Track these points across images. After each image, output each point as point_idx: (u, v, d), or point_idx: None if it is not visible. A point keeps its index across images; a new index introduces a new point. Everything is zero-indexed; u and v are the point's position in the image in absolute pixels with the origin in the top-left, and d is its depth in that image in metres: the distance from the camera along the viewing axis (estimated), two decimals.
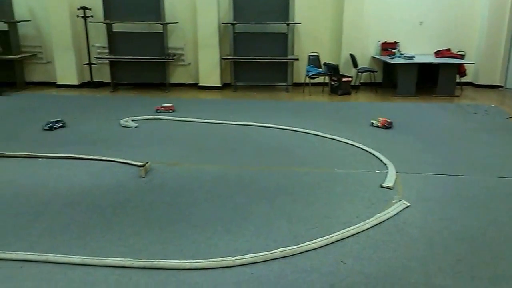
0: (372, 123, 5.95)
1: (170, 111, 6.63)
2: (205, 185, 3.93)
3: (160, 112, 6.50)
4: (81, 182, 3.98)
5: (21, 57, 8.40)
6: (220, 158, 4.70)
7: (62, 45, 8.40)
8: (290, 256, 2.76)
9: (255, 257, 2.73)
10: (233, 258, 2.71)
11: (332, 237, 2.96)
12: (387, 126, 5.83)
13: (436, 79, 8.01)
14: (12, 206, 3.48)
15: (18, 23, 8.41)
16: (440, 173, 4.22)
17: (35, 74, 8.89)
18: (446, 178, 4.09)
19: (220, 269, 2.64)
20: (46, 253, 2.76)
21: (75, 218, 3.30)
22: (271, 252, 2.78)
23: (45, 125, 5.62)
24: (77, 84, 8.64)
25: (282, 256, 2.75)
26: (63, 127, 5.76)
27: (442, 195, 3.72)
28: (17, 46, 8.40)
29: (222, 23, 8.52)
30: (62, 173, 4.20)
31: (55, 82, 8.67)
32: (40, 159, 4.53)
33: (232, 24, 8.34)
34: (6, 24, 8.19)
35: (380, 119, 5.92)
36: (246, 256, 2.74)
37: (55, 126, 5.67)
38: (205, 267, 2.65)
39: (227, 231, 3.10)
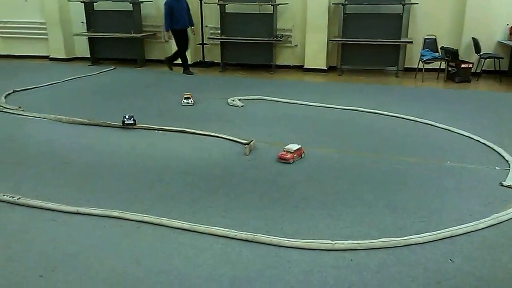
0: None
1: None
2: (308, 167, 3.92)
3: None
4: (191, 155, 4.24)
5: (142, 36, 9.11)
6: (324, 141, 4.65)
7: None
8: (394, 248, 2.65)
9: (356, 244, 2.67)
10: (332, 242, 2.69)
11: (440, 233, 2.77)
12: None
13: None
14: (131, 172, 3.83)
15: (141, 4, 9.08)
16: None
17: (153, 52, 9.59)
18: None
19: (318, 251, 2.64)
20: (160, 216, 3.00)
21: (185, 187, 3.54)
22: (373, 240, 2.70)
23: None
24: (189, 63, 9.12)
25: (385, 246, 2.66)
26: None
27: None
28: (139, 26, 9.10)
29: (333, 4, 8.32)
30: (175, 145, 4.52)
31: None
32: (156, 131, 4.91)
33: (343, 4, 8.10)
34: (131, 4, 8.89)
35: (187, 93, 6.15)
36: (346, 242, 2.70)
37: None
38: (304, 247, 2.66)
39: (328, 215, 3.07)
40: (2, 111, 5.68)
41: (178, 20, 8.06)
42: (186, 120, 5.29)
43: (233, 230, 2.82)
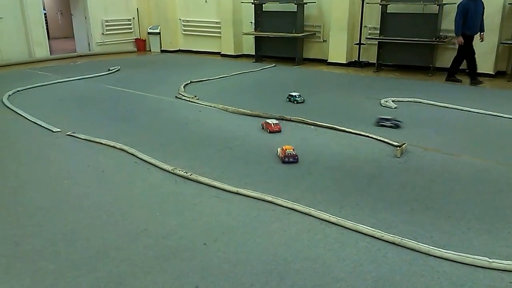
0: None
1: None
2: (465, 178, 3.69)
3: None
4: (341, 151, 4.33)
5: (303, 35, 9.45)
6: (484, 152, 4.28)
7: (338, 25, 9.04)
8: None
9: None
10: (489, 260, 2.51)
11: None
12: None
13: None
14: (292, 163, 4.02)
15: (305, 5, 9.38)
16: None
17: (311, 51, 9.88)
18: None
19: (472, 267, 2.50)
20: (309, 207, 3.16)
21: (333, 182, 3.65)
22: None
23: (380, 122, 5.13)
24: (344, 62, 9.20)
25: None
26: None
27: None
28: (301, 26, 9.45)
29: (509, 4, 7.50)
30: (325, 141, 4.66)
31: (326, 60, 9.46)
32: (308, 125, 5.12)
33: None
34: (295, 5, 9.26)
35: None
36: (506, 262, 2.49)
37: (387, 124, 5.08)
38: (456, 260, 2.54)
39: (486, 230, 2.87)
40: (181, 98, 6.55)
41: (470, 26, 7.04)
42: (337, 117, 5.38)
43: (379, 231, 2.83)
